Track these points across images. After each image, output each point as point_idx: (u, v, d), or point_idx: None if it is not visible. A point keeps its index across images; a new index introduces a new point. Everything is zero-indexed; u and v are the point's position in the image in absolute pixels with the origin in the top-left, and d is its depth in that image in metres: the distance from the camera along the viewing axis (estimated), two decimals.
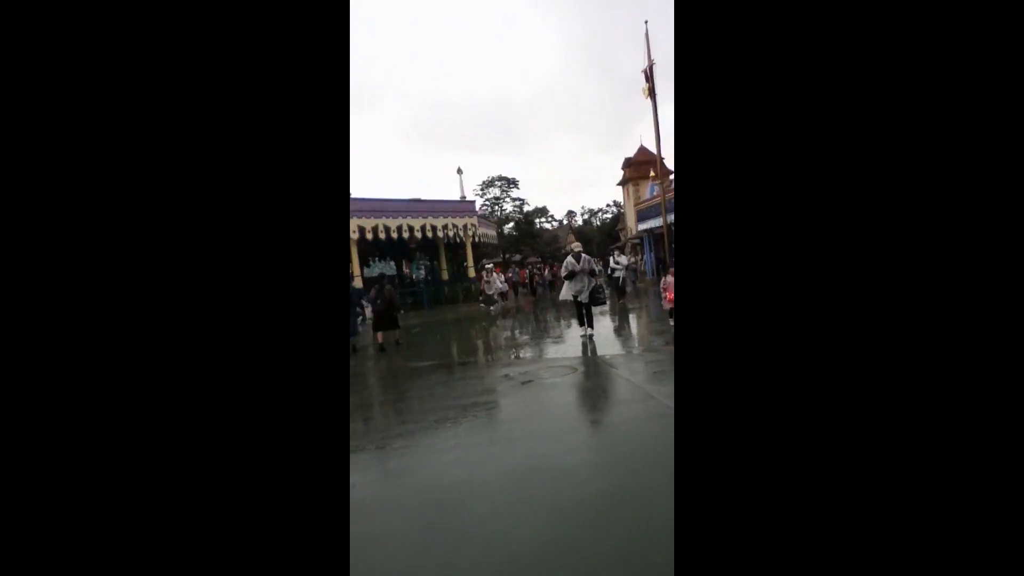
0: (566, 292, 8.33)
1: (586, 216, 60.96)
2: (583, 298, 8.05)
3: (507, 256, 45.71)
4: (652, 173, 18.25)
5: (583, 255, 8.39)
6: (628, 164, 35.02)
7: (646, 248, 21.82)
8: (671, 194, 16.60)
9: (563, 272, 8.68)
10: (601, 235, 50.32)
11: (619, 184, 36.66)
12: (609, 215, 54.59)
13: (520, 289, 20.01)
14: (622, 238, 41.28)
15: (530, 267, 19.49)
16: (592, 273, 8.30)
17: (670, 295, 7.63)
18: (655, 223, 18.74)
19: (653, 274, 18.07)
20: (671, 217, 16.57)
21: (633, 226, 34.18)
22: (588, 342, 7.73)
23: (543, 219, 50.55)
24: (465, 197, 21.83)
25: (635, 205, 22.42)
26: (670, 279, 7.97)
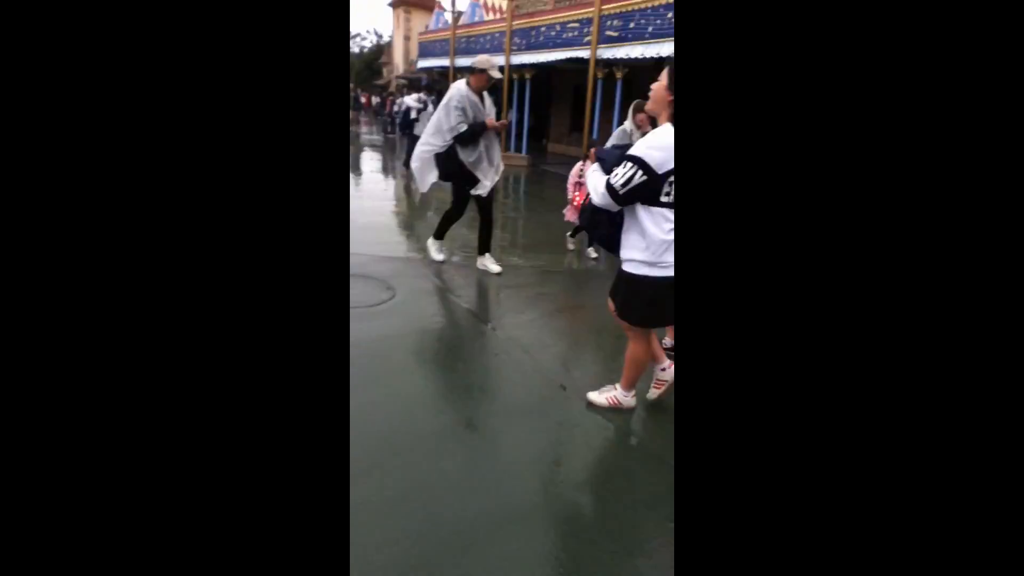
0: (431, 173, 3.93)
1: None
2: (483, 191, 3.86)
3: None
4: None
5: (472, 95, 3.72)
6: None
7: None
8: (462, 31, 14.48)
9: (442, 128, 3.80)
10: (361, 65, 44.07)
11: (389, 5, 31.46)
12: (368, 43, 47.75)
13: None
14: (384, 74, 36.77)
15: None
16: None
17: (577, 197, 4.56)
18: (440, 62, 16.46)
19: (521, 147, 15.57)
20: (459, 60, 14.64)
21: (400, 62, 30.41)
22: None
23: None
24: None
25: (420, 34, 19.14)
26: (580, 169, 4.55)
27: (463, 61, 14.56)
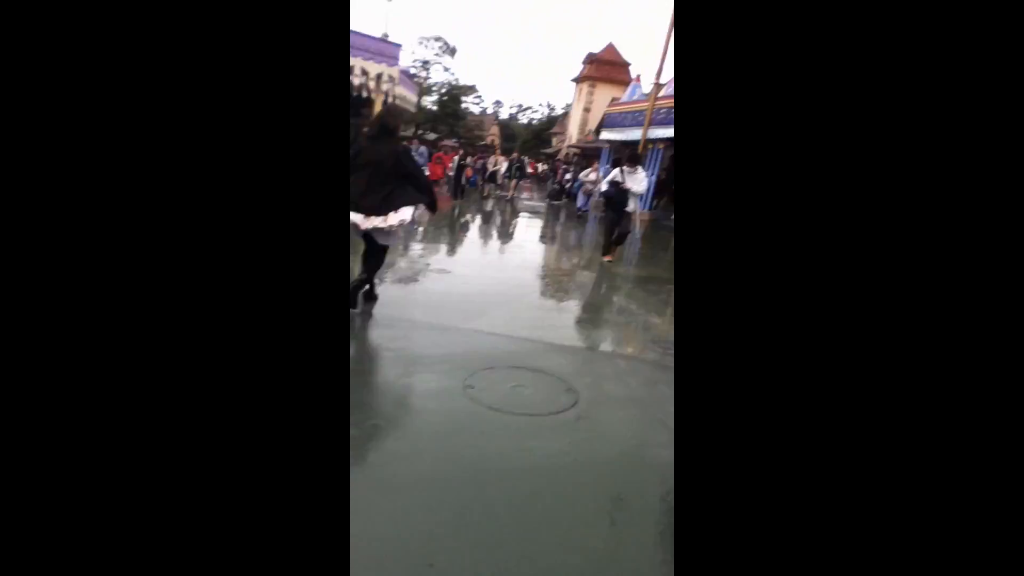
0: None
1: (514, 110, 55.08)
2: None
3: (420, 132, 38.54)
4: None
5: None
6: (591, 60, 30.15)
7: (605, 160, 17.85)
8: (663, 103, 12.80)
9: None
10: (528, 134, 45.53)
11: (574, 80, 31.76)
12: (539, 114, 49.42)
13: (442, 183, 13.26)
14: (554, 143, 37.08)
15: (459, 155, 13.78)
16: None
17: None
18: (628, 135, 14.94)
19: (647, 203, 13.86)
20: (656, 131, 12.90)
21: (575, 132, 30.18)
22: None
23: (470, 98, 43.48)
24: (388, 37, 15.30)
25: (609, 105, 17.86)
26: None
27: (658, 132, 12.82)
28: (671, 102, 12.64)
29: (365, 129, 3.27)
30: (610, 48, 30.39)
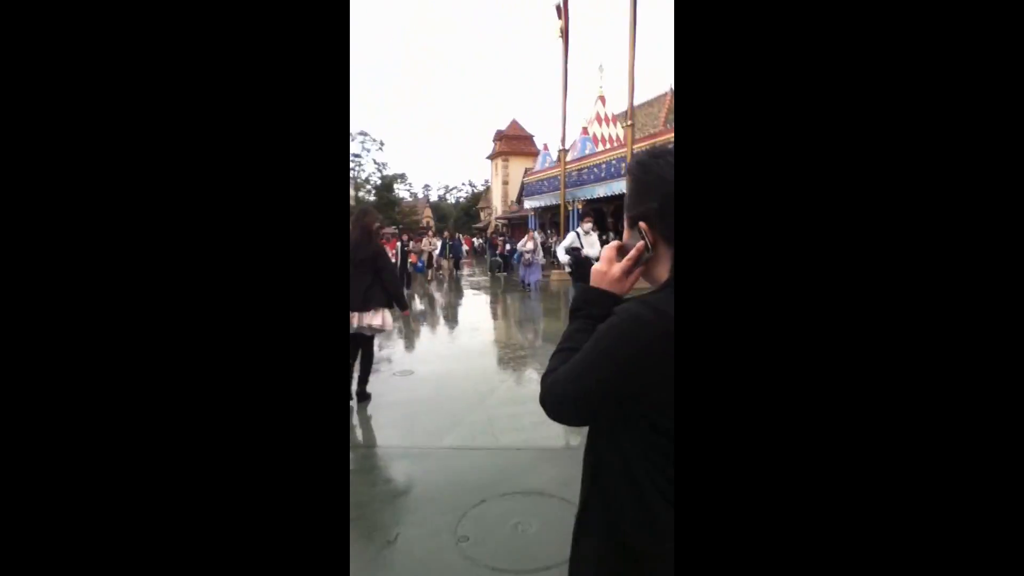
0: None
1: (441, 192, 57.30)
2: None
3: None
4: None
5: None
6: (499, 137, 32.34)
7: (532, 226, 18.92)
8: (573, 165, 14.00)
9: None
10: (458, 212, 47.15)
11: (489, 157, 33.77)
12: (463, 194, 51.58)
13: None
14: (483, 217, 38.64)
15: (400, 240, 14.09)
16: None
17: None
18: (547, 200, 16.05)
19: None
20: (573, 192, 14.00)
21: (499, 204, 31.72)
22: None
23: (400, 184, 45.00)
24: None
25: (525, 176, 19.16)
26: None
27: (577, 194, 13.91)
28: (580, 164, 13.89)
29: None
30: (514, 124, 32.82)
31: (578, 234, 6.01)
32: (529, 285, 11.23)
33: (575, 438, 3.00)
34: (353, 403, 3.71)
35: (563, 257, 5.99)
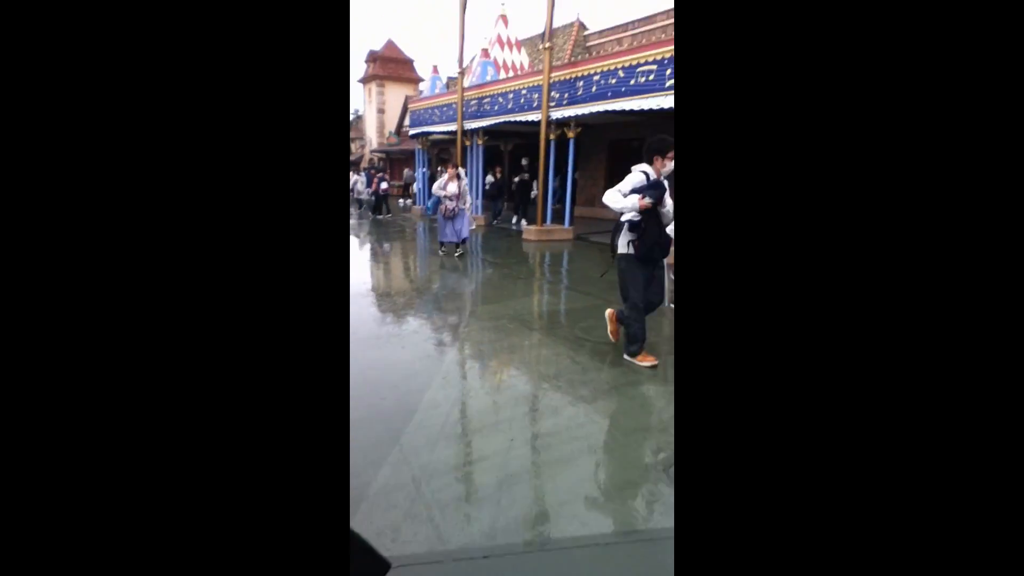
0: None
1: None
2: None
3: None
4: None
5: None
6: (373, 58, 28.45)
7: (421, 163, 16.46)
8: (472, 92, 12.16)
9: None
10: None
11: (360, 81, 29.72)
12: None
13: None
14: (355, 149, 34.56)
15: None
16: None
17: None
18: (443, 128, 13.99)
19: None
20: (471, 124, 12.20)
21: (373, 136, 28.33)
22: None
23: None
24: None
25: (412, 102, 16.42)
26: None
27: (474, 124, 12.17)
28: (481, 91, 12.08)
29: None
30: (390, 44, 29.05)
31: (647, 176, 3.15)
32: (457, 244, 7.73)
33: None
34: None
35: (627, 207, 3.10)
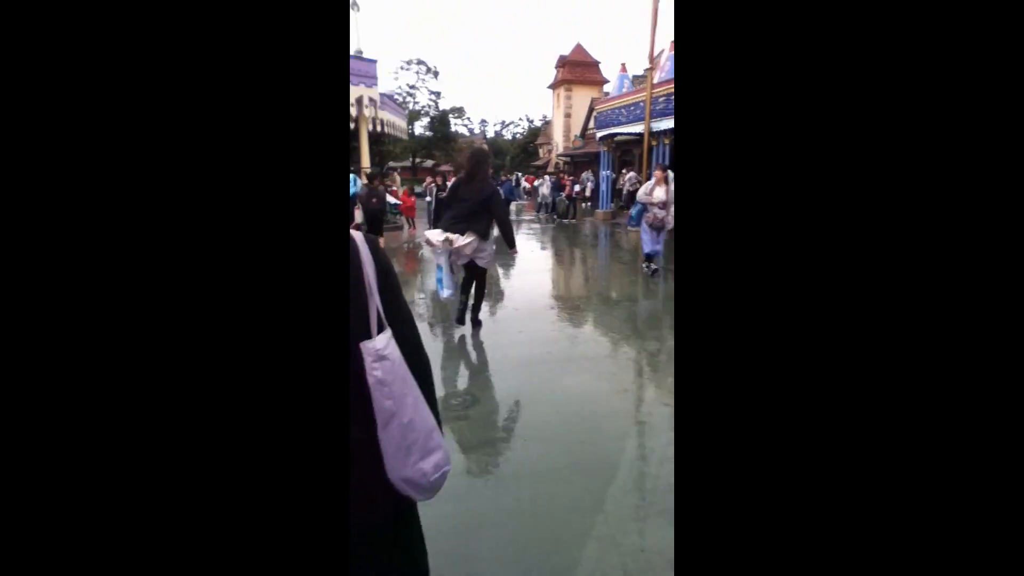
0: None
1: (498, 127, 54.28)
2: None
3: (417, 160, 37.33)
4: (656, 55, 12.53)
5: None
6: (562, 63, 29.17)
7: (605, 165, 16.43)
8: (660, 89, 11.56)
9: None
10: (516, 149, 44.57)
11: (550, 87, 30.77)
12: (521, 129, 48.43)
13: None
14: (542, 154, 35.98)
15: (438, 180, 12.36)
16: None
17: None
18: (630, 128, 13.67)
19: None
20: (660, 124, 11.63)
21: (560, 140, 29.08)
22: None
23: (458, 119, 42.46)
24: (362, 53, 12.46)
25: (599, 103, 16.47)
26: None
27: (662, 125, 11.56)
28: (669, 87, 11.42)
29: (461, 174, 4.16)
30: (578, 48, 29.44)
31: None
32: (656, 268, 6.62)
33: None
34: (463, 327, 4.19)
35: None
